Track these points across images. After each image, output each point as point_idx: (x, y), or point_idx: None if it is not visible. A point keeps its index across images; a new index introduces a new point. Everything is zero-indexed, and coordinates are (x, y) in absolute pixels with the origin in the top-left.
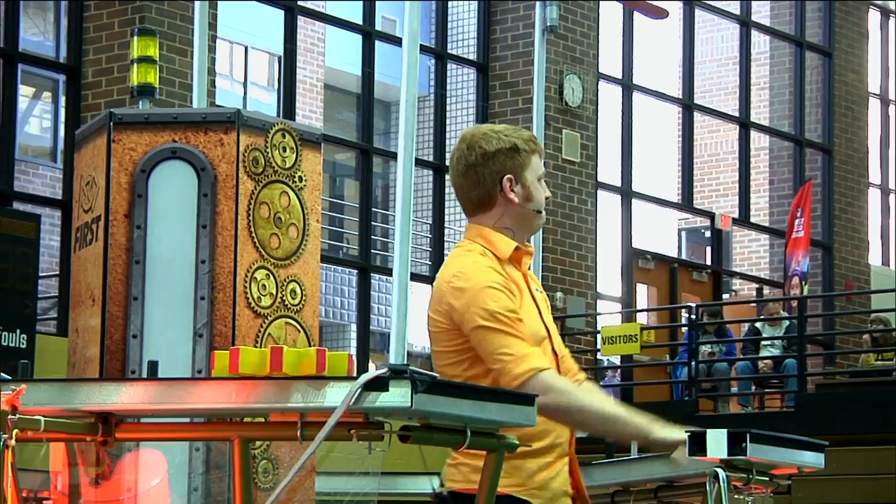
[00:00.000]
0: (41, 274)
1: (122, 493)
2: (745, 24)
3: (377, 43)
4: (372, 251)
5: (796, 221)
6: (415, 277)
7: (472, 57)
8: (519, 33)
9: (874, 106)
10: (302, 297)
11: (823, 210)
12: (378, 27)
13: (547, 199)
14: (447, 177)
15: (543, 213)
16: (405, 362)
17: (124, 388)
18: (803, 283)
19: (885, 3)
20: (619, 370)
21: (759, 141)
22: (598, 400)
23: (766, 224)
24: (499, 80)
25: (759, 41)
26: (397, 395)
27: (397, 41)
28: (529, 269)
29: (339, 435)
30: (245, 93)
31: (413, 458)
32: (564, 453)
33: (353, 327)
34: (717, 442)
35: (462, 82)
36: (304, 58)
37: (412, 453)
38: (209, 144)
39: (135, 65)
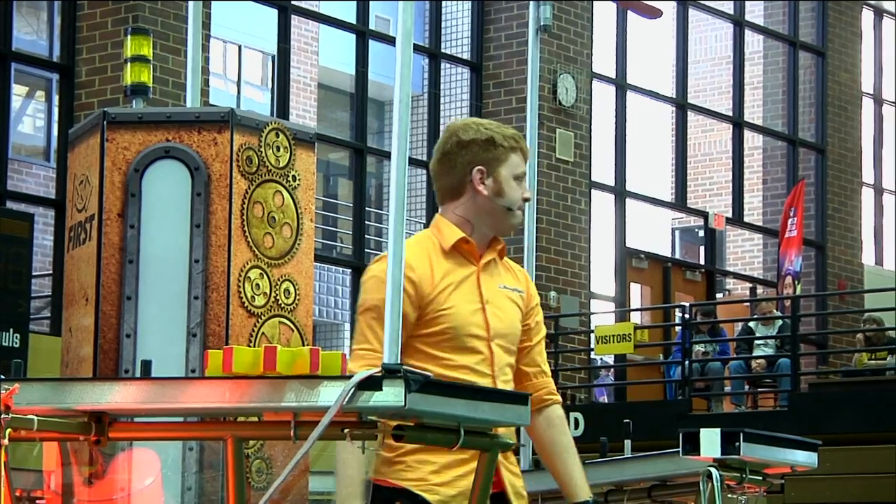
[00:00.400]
0: (34, 273)
1: (116, 492)
2: (739, 23)
3: (371, 42)
4: (366, 250)
5: (789, 221)
6: None
7: (466, 56)
8: (512, 32)
9: (867, 106)
10: (296, 297)
11: (817, 209)
12: (372, 26)
13: (526, 200)
14: None
15: (517, 212)
16: (398, 362)
17: (118, 387)
18: (796, 282)
19: (878, 3)
20: (612, 369)
21: (752, 140)
22: (349, 452)
23: (760, 223)
24: (492, 80)
25: (753, 41)
26: (391, 395)
27: (391, 40)
28: (494, 264)
29: (332, 434)
30: (239, 92)
31: None
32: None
33: (347, 326)
34: (710, 441)
35: (456, 81)
36: (297, 57)
37: None
38: (203, 144)
39: (128, 64)
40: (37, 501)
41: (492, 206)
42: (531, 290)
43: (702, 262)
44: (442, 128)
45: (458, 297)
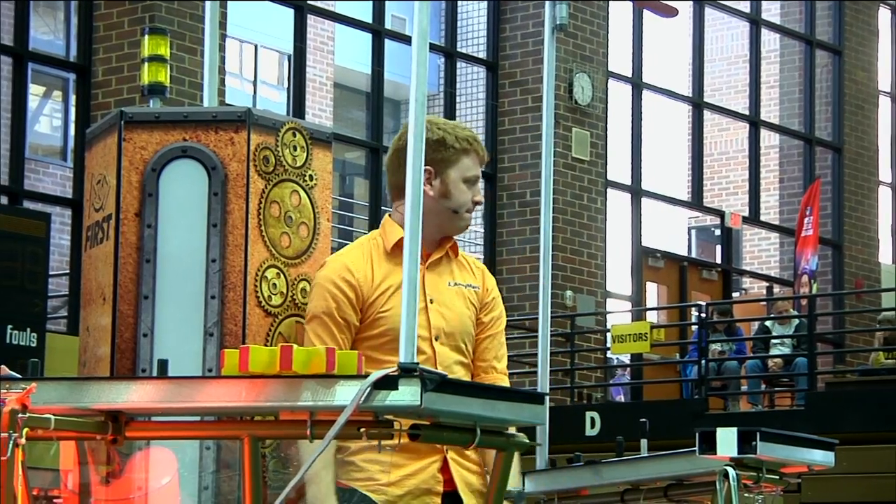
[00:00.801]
0: (51, 273)
1: (133, 491)
2: (755, 22)
3: (387, 41)
4: None
5: (805, 220)
6: None
7: (482, 55)
8: (528, 32)
9: (884, 104)
10: None
11: (833, 208)
12: (388, 26)
13: (477, 203)
14: None
15: (465, 215)
16: (414, 361)
17: (134, 386)
18: (812, 281)
19: (895, 2)
20: (628, 369)
21: (769, 139)
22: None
23: (776, 222)
24: (508, 79)
25: (769, 39)
26: (407, 394)
27: (407, 39)
28: (438, 263)
29: (348, 434)
30: (255, 91)
31: None
32: (435, 450)
33: None
34: (727, 440)
35: (472, 81)
36: (313, 56)
37: None
38: (220, 143)
39: (145, 63)
40: (54, 501)
41: (437, 208)
42: (487, 284)
43: (718, 261)
44: None
45: (399, 299)
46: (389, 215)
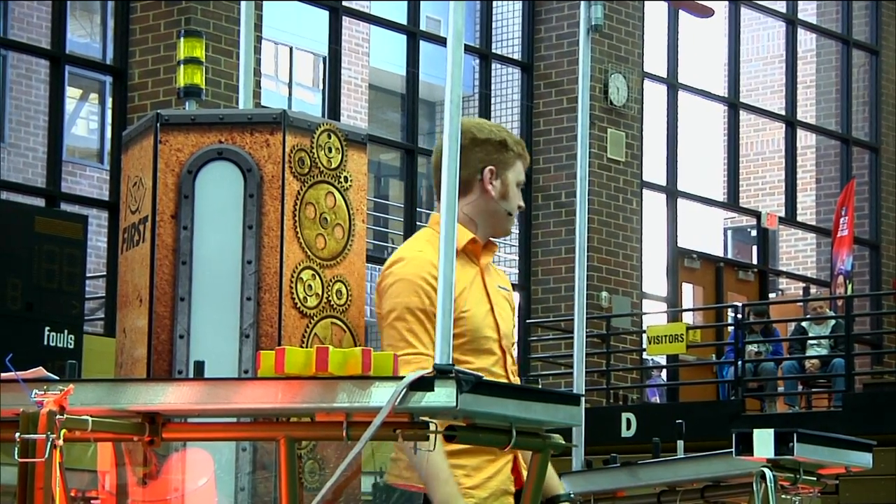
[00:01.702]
0: (88, 275)
1: (170, 492)
2: (791, 22)
3: (422, 43)
4: None
5: (841, 220)
6: None
7: (517, 56)
8: (563, 32)
9: None
10: (348, 298)
11: (870, 208)
12: (423, 27)
13: (520, 208)
14: None
15: (513, 218)
16: (450, 362)
17: (171, 388)
18: (848, 282)
19: None
20: (664, 370)
21: (805, 139)
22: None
23: (813, 223)
24: (543, 80)
25: (806, 39)
26: (443, 395)
27: (442, 41)
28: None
29: (384, 435)
30: (290, 93)
31: None
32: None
33: None
34: (763, 442)
35: (507, 82)
36: (348, 58)
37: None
38: (255, 145)
39: (181, 66)
40: (91, 501)
41: (496, 208)
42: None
43: (754, 261)
44: None
45: (472, 300)
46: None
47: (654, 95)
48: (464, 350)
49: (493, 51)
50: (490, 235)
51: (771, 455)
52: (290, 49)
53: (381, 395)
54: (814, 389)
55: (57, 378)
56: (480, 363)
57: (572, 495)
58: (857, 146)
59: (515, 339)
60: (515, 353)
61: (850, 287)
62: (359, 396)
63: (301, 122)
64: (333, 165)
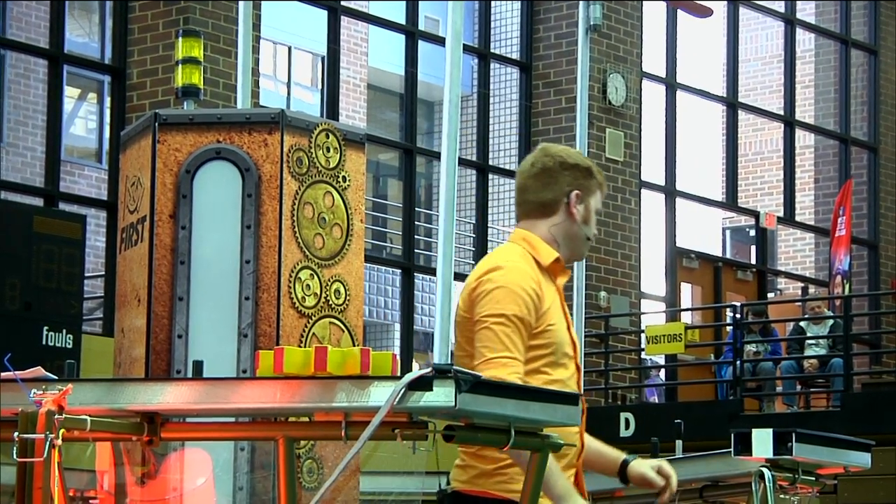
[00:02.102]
0: (87, 274)
1: (168, 492)
2: (790, 21)
3: (420, 43)
4: (415, 251)
5: (839, 220)
6: (458, 277)
7: (516, 56)
8: (562, 32)
9: None
10: (346, 297)
11: (869, 208)
12: (421, 27)
13: (595, 235)
14: (490, 176)
15: (589, 244)
16: (449, 362)
17: (170, 387)
18: (845, 281)
19: None
20: (663, 370)
21: (804, 139)
22: None
23: (812, 223)
24: (542, 80)
25: (804, 39)
26: (441, 395)
27: (440, 41)
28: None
29: (383, 435)
30: (288, 93)
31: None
32: (572, 465)
33: (397, 327)
34: (762, 441)
35: (505, 81)
36: (347, 58)
37: (456, 452)
38: (253, 145)
39: (179, 66)
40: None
41: (578, 232)
42: None
43: (753, 261)
44: (491, 128)
45: (556, 315)
46: (530, 230)
47: (653, 95)
48: (546, 362)
49: (492, 50)
50: (567, 258)
51: (769, 455)
52: (289, 49)
53: (380, 395)
54: (812, 389)
55: (55, 378)
56: (558, 375)
57: (636, 456)
58: (856, 146)
59: None
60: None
61: (847, 287)
62: (357, 396)
63: (299, 122)
64: (332, 165)
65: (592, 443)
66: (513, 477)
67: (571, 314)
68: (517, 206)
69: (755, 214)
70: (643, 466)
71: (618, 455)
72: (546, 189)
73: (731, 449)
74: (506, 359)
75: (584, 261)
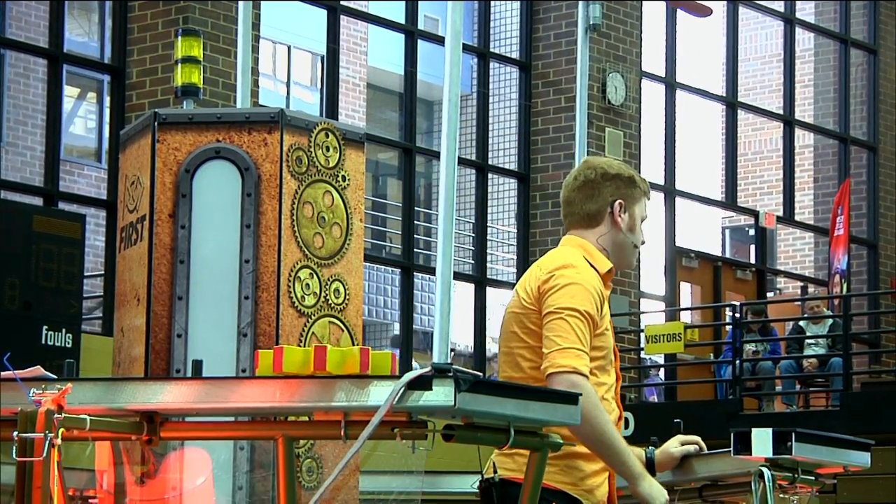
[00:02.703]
0: (86, 273)
1: (168, 491)
2: (790, 21)
3: (420, 42)
4: (415, 250)
5: (837, 219)
6: (458, 276)
7: (515, 55)
8: (561, 32)
9: None
10: (345, 297)
11: (868, 208)
12: (420, 26)
13: (643, 243)
14: (490, 176)
15: (638, 252)
16: (448, 361)
17: (169, 387)
18: (843, 281)
19: None
20: (662, 369)
21: (803, 139)
22: (612, 427)
23: (811, 222)
24: (541, 79)
25: (804, 38)
26: (441, 394)
27: (440, 40)
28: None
29: (382, 434)
30: (288, 92)
31: (457, 456)
32: (606, 468)
33: (397, 326)
34: (762, 441)
35: (505, 81)
36: (346, 57)
37: (456, 452)
38: (253, 144)
39: (179, 65)
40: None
41: (624, 240)
42: None
43: (752, 260)
44: (491, 127)
45: (608, 322)
46: (584, 239)
47: (653, 94)
48: (597, 365)
49: (492, 50)
50: (617, 266)
51: (769, 454)
52: (288, 48)
53: (380, 394)
54: (812, 389)
55: (55, 377)
56: (603, 379)
57: (655, 441)
58: (855, 145)
59: None
60: None
61: (845, 286)
62: (357, 395)
63: (299, 122)
64: (331, 164)
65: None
66: (562, 469)
67: None
68: (565, 219)
69: (754, 214)
70: (666, 449)
71: (639, 452)
72: (590, 201)
73: (731, 448)
74: (579, 350)
75: None
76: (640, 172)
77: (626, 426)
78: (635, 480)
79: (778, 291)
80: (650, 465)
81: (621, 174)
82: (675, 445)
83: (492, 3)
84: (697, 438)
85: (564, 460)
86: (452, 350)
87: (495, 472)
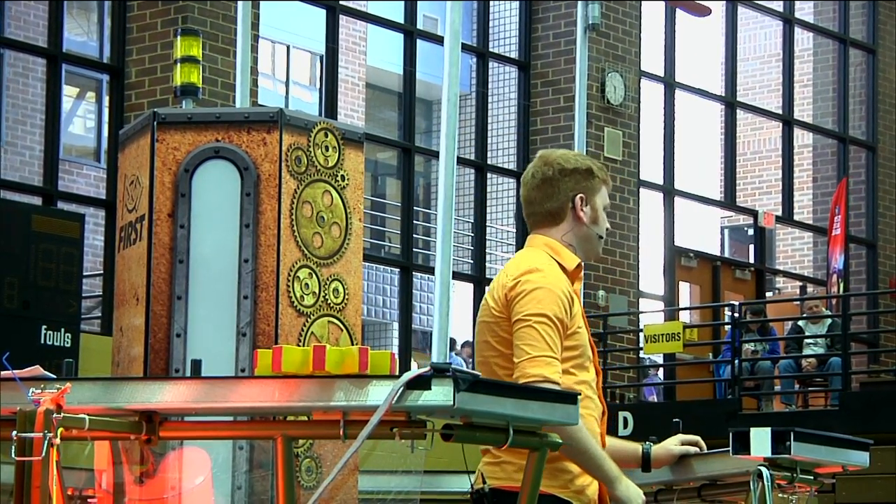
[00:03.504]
0: (85, 273)
1: (167, 491)
2: (788, 21)
3: (419, 42)
4: (414, 250)
5: (835, 219)
6: (457, 276)
7: (514, 55)
8: (560, 31)
9: None
10: (344, 296)
11: (867, 207)
12: (420, 26)
13: (607, 230)
14: (489, 175)
15: (602, 241)
16: (447, 361)
17: (168, 386)
18: (840, 280)
19: None
20: (661, 368)
21: (802, 138)
22: (586, 432)
23: (810, 222)
24: (540, 79)
25: (803, 38)
26: (440, 394)
27: (439, 40)
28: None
29: (381, 433)
30: (287, 92)
31: (455, 455)
32: None
33: (396, 326)
34: (760, 440)
35: (504, 80)
36: (345, 57)
37: (455, 451)
38: (252, 144)
39: (178, 64)
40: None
41: (589, 233)
42: None
43: (751, 260)
44: (490, 127)
45: (580, 319)
46: (549, 237)
47: (651, 94)
48: (574, 364)
49: (491, 49)
50: (584, 258)
51: (768, 454)
52: (287, 48)
53: (378, 394)
54: (810, 388)
55: (54, 377)
56: (584, 377)
57: (651, 444)
58: (854, 145)
59: None
60: None
61: (842, 286)
62: (356, 395)
63: (298, 121)
64: (330, 164)
65: (609, 440)
66: (549, 472)
67: None
68: (527, 218)
69: (753, 213)
70: (666, 446)
71: (636, 446)
72: (550, 199)
73: (730, 448)
74: (550, 358)
75: None
76: (639, 172)
77: (626, 426)
78: (612, 483)
79: (777, 291)
80: (646, 461)
81: (579, 167)
82: (676, 443)
83: (491, 2)
84: (698, 439)
85: (551, 464)
86: (464, 345)
87: (484, 482)
